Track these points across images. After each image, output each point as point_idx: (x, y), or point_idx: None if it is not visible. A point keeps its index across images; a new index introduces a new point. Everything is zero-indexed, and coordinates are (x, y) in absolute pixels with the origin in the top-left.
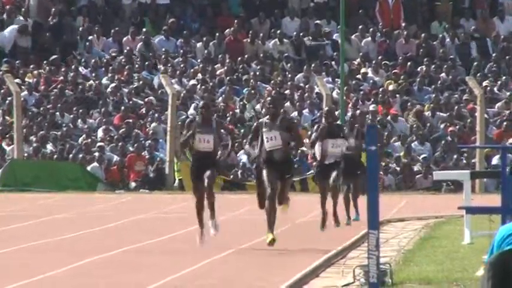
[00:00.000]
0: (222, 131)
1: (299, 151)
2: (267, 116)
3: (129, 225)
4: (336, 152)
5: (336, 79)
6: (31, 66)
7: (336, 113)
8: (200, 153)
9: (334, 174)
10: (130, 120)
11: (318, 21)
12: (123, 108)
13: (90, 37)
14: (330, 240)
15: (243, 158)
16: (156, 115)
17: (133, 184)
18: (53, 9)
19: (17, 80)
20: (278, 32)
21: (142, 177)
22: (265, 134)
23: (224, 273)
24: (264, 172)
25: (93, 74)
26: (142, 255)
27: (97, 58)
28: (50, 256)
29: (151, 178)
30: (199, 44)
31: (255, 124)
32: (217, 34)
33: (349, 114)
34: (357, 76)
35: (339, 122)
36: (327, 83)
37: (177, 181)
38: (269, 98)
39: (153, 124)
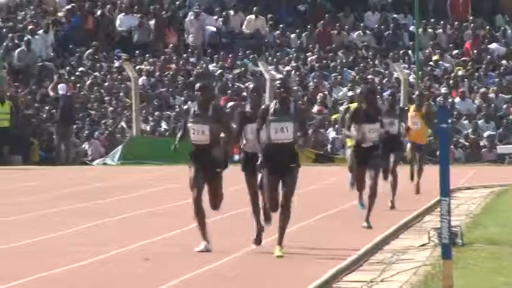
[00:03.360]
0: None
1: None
2: (275, 102)
3: (232, 193)
4: (373, 137)
5: (412, 65)
6: (147, 55)
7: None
8: (196, 146)
9: (373, 161)
10: (233, 103)
11: (395, 15)
12: (229, 92)
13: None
14: (407, 206)
15: (331, 133)
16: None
17: (236, 157)
18: (167, 5)
19: (138, 66)
20: (361, 24)
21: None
22: (272, 123)
23: (314, 237)
24: (265, 171)
25: (201, 62)
26: (243, 220)
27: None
28: (165, 221)
29: None
30: (293, 35)
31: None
32: (308, 26)
33: (388, 92)
34: (430, 63)
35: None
36: (404, 69)
37: None
38: (278, 81)
39: None
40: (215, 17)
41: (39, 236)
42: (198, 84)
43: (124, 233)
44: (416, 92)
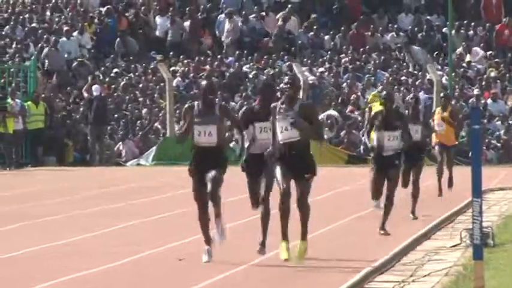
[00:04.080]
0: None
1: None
2: (282, 100)
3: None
4: (394, 145)
5: (445, 67)
6: (181, 56)
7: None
8: (201, 149)
9: (393, 172)
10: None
11: (429, 17)
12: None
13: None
14: (439, 207)
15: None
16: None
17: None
18: (202, 7)
19: (172, 68)
20: (395, 26)
21: None
22: (278, 123)
23: (346, 238)
24: (277, 170)
25: (236, 63)
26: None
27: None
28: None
29: None
30: (327, 37)
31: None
32: (342, 28)
33: (411, 95)
34: (463, 64)
35: (399, 108)
36: (437, 70)
37: None
38: (287, 77)
39: None
40: (250, 17)
41: (72, 236)
42: (205, 83)
43: (158, 234)
44: (441, 94)
